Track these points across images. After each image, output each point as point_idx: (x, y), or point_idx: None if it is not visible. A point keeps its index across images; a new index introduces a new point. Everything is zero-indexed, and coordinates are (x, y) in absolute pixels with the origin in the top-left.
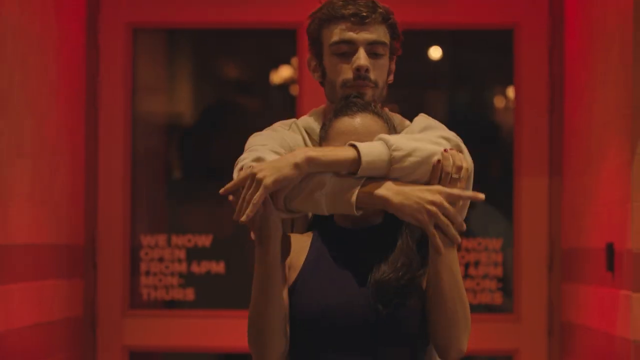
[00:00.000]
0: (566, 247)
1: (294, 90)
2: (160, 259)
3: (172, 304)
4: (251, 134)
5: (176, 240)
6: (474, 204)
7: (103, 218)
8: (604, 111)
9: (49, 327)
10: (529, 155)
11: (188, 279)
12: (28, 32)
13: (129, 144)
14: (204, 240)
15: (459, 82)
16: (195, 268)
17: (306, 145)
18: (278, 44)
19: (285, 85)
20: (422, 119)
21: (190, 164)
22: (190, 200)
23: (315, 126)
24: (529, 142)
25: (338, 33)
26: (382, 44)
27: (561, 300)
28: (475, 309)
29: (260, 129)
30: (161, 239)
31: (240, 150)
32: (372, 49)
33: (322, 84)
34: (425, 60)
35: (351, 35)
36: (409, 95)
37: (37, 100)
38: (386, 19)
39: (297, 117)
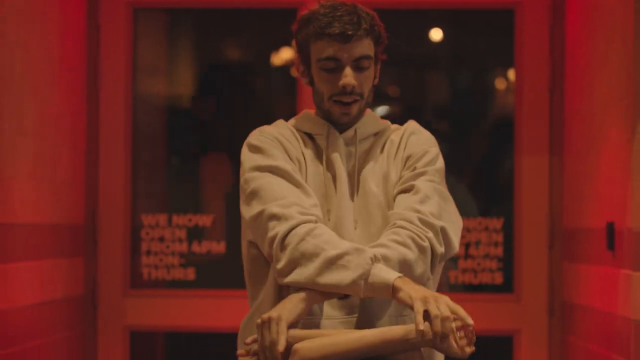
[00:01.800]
0: (567, 227)
1: (295, 72)
2: (161, 239)
3: (172, 284)
4: (251, 115)
5: (177, 219)
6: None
7: (104, 197)
8: (605, 91)
9: (50, 307)
10: (529, 135)
11: (189, 258)
12: (29, 11)
13: (129, 123)
14: (205, 220)
15: (459, 62)
16: (196, 248)
17: (295, 137)
18: (279, 25)
19: (286, 67)
20: (413, 124)
21: (190, 144)
22: (191, 180)
23: (302, 126)
24: (530, 122)
25: (324, 50)
26: (367, 57)
27: (562, 279)
28: (475, 289)
29: (261, 110)
30: (162, 218)
31: (239, 132)
32: (358, 63)
33: (308, 84)
34: (425, 40)
35: (337, 53)
36: (409, 76)
37: (38, 80)
38: (371, 32)
39: (298, 99)
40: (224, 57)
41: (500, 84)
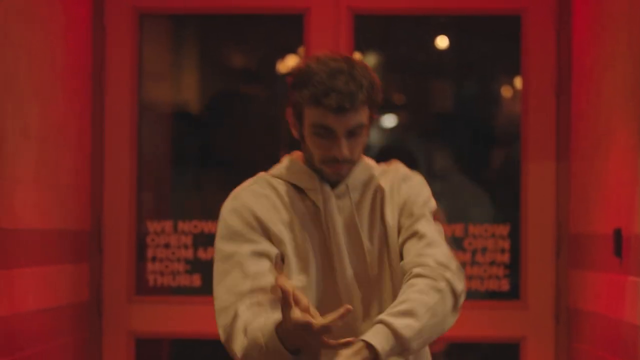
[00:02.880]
0: (574, 233)
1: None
2: (167, 245)
3: (178, 290)
4: (257, 122)
5: (182, 226)
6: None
7: (109, 203)
8: (611, 95)
9: (55, 313)
10: (536, 140)
11: (194, 265)
12: (33, 15)
13: (135, 129)
14: (210, 227)
15: (465, 69)
16: (201, 254)
17: (279, 195)
18: (285, 31)
19: (291, 73)
20: (400, 167)
21: (196, 150)
22: (197, 186)
23: (292, 178)
24: (537, 127)
25: (318, 118)
26: (362, 125)
27: (568, 286)
28: (482, 295)
29: (266, 117)
30: (167, 225)
31: (244, 138)
32: (352, 131)
33: (298, 138)
34: (431, 47)
35: (332, 124)
36: (414, 83)
37: (43, 84)
38: (367, 100)
39: None
40: (229, 63)
41: (506, 89)
